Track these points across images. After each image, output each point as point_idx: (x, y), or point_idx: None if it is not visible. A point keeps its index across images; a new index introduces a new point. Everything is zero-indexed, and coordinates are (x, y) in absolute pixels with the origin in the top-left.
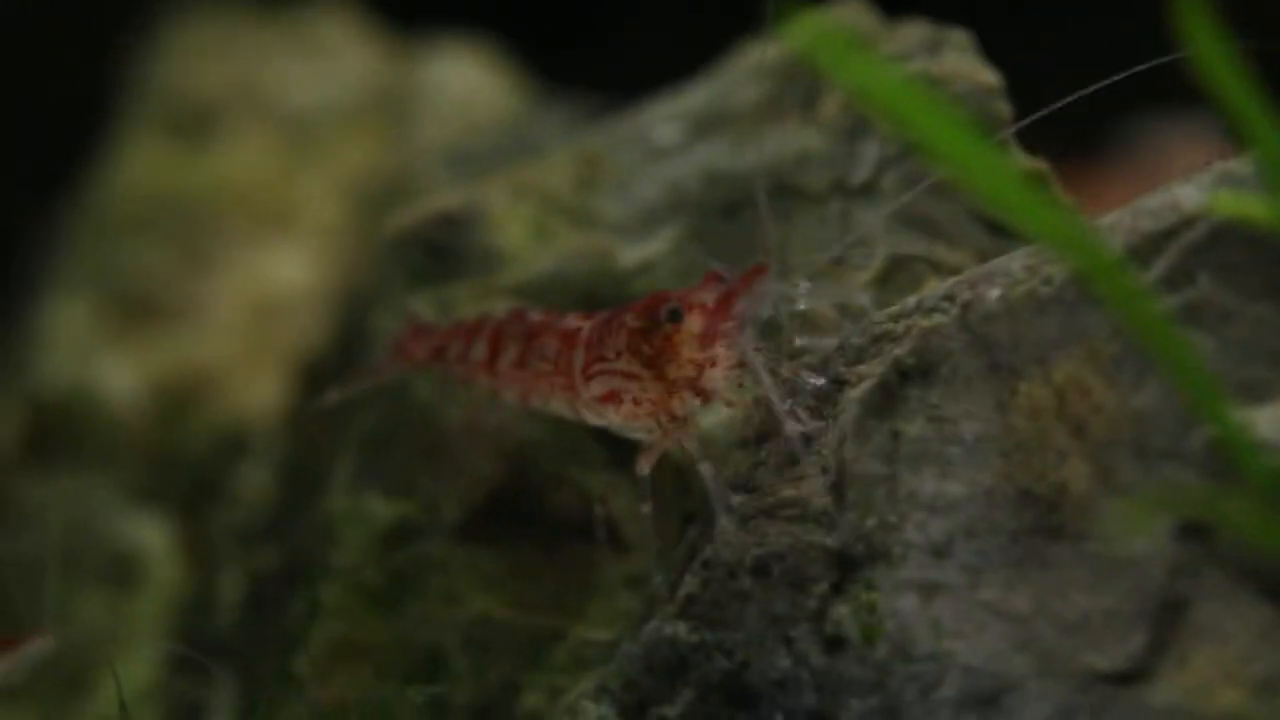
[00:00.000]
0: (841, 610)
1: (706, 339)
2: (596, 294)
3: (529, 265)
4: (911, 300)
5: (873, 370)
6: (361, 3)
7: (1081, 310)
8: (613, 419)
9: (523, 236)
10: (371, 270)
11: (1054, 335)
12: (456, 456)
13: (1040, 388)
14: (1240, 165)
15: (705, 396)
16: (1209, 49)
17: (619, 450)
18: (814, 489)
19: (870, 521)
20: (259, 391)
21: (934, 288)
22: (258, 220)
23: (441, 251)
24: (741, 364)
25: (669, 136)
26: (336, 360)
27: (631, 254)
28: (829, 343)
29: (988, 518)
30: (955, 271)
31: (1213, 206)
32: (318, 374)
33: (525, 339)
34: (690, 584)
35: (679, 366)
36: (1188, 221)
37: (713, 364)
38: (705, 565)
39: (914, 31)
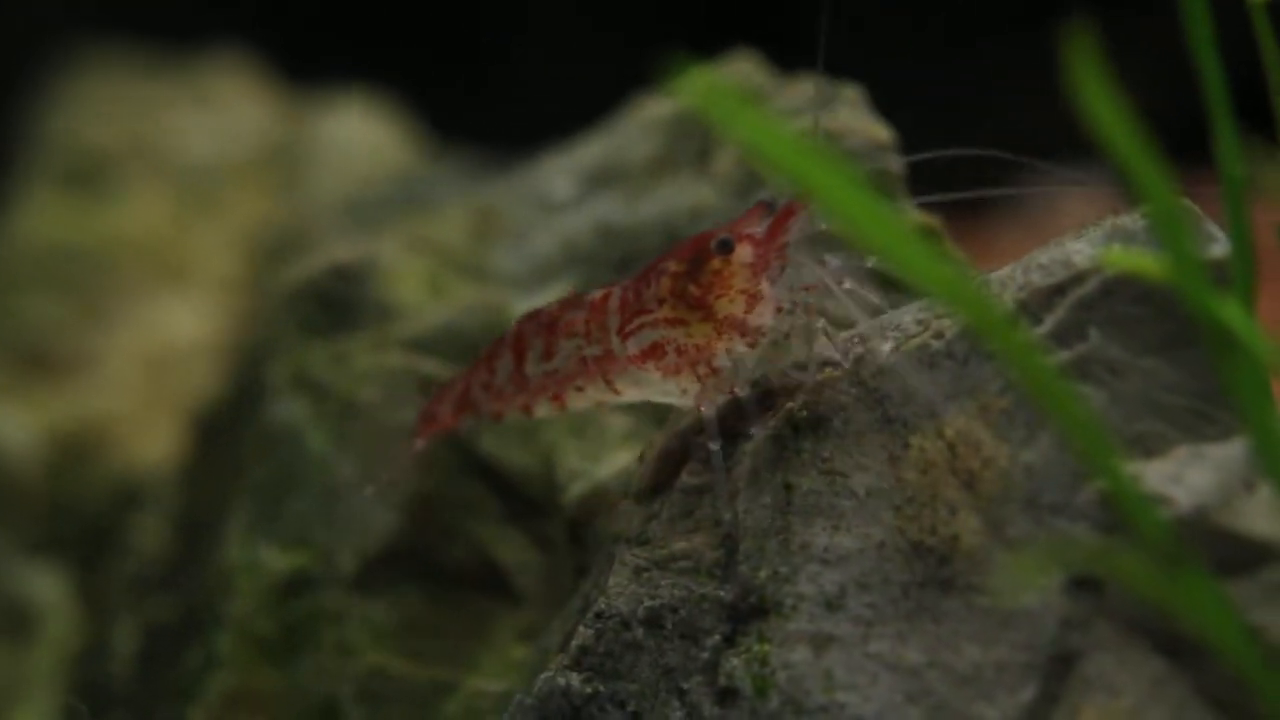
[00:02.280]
0: (734, 662)
1: (758, 266)
2: None
3: (423, 318)
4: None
5: (765, 423)
6: (256, 56)
7: (973, 364)
8: (653, 379)
9: (417, 290)
10: (266, 323)
11: (946, 389)
12: (352, 508)
13: (932, 441)
14: (1131, 220)
15: (752, 337)
16: (1102, 105)
17: (514, 503)
18: (706, 541)
19: (763, 574)
20: (154, 443)
21: (826, 341)
22: (154, 273)
23: (336, 304)
24: (782, 306)
25: (563, 190)
26: (231, 412)
27: (525, 307)
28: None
29: (880, 570)
30: (847, 326)
31: (1104, 261)
32: (212, 426)
33: (548, 327)
34: (583, 635)
35: (730, 300)
36: (1079, 276)
37: (761, 299)
38: (598, 617)
39: (806, 86)
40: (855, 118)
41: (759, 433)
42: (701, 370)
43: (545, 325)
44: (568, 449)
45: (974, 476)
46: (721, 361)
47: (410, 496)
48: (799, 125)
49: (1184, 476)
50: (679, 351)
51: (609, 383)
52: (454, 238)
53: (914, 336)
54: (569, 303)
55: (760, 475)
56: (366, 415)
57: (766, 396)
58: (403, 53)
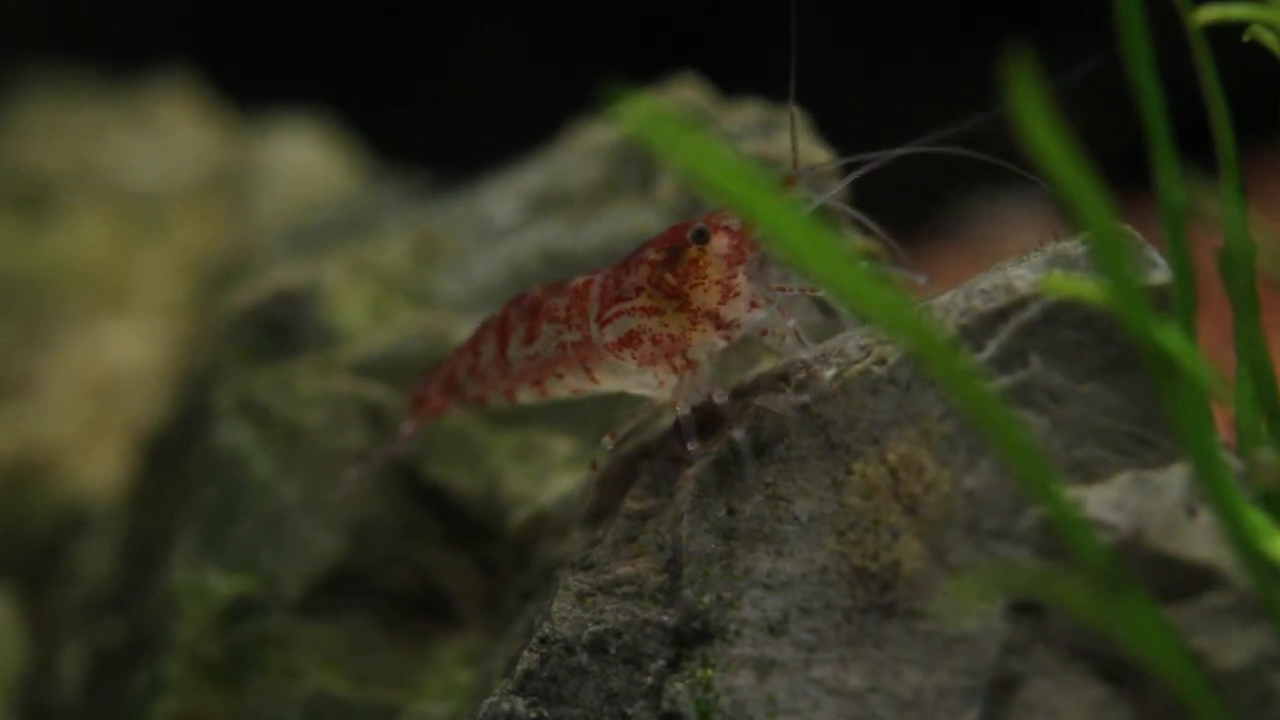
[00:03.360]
0: (677, 687)
1: (733, 258)
2: None
3: (367, 343)
4: (748, 379)
5: (709, 449)
6: (200, 81)
7: (915, 390)
8: (629, 368)
9: (361, 314)
10: (211, 347)
11: (888, 415)
12: (297, 532)
13: (874, 467)
14: (1073, 245)
15: (727, 330)
16: (1042, 131)
17: (458, 527)
18: (650, 566)
19: (706, 599)
20: (100, 468)
21: (770, 367)
22: (98, 298)
23: (280, 329)
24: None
25: (506, 215)
26: (177, 437)
27: (468, 332)
28: (666, 422)
29: (822, 595)
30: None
31: (1045, 287)
32: (158, 451)
33: (531, 311)
34: (528, 660)
35: (705, 290)
36: (1020, 302)
37: (736, 293)
38: (543, 641)
39: (748, 111)
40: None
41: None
42: (677, 362)
43: (529, 309)
44: (511, 473)
45: (916, 502)
46: (696, 354)
47: (355, 521)
48: (741, 150)
49: (1125, 502)
50: (654, 341)
51: (588, 370)
52: (397, 262)
53: (857, 362)
54: (553, 287)
55: (704, 500)
56: (311, 440)
57: (710, 420)
58: (346, 77)
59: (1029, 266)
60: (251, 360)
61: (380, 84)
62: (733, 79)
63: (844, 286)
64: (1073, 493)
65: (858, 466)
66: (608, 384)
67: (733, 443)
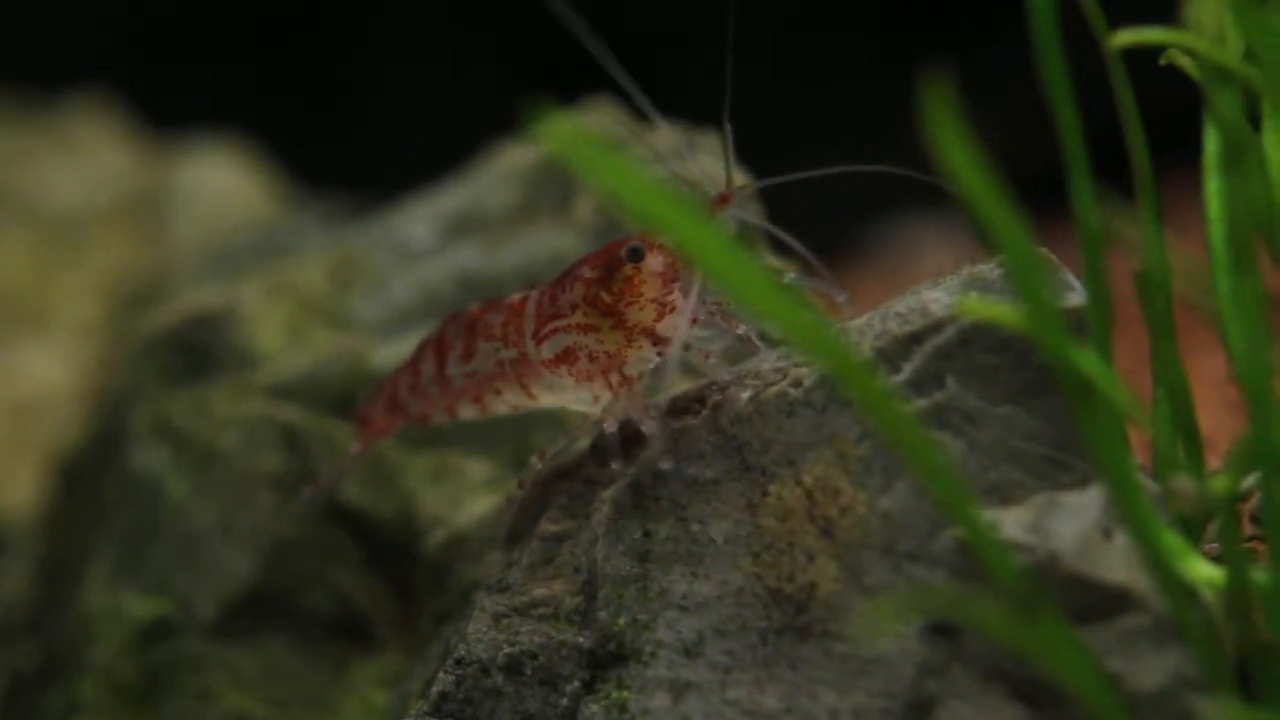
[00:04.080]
0: (593, 708)
1: (668, 276)
2: (351, 394)
3: (284, 366)
4: (662, 401)
5: (624, 471)
6: (118, 103)
7: (831, 412)
8: (566, 384)
9: (278, 337)
10: (127, 369)
11: (804, 437)
12: (212, 554)
13: (790, 489)
14: (988, 268)
15: (662, 345)
16: (958, 154)
17: (374, 549)
18: (565, 588)
19: (622, 620)
20: (15, 489)
21: (685, 389)
22: (14, 319)
23: (197, 351)
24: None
25: (423, 238)
26: (93, 458)
27: (385, 354)
28: (581, 444)
29: (738, 617)
30: (705, 373)
31: (961, 309)
32: (74, 472)
33: (468, 328)
34: (443, 681)
35: (640, 308)
36: (936, 324)
37: (672, 309)
38: (458, 663)
39: (666, 134)
40: (716, 165)
41: (620, 480)
42: (614, 378)
43: (466, 326)
44: (427, 495)
45: (832, 524)
46: (632, 370)
47: (271, 543)
48: (659, 172)
49: (1041, 524)
50: (591, 358)
51: (524, 387)
52: (315, 285)
53: (772, 384)
54: (489, 304)
55: (619, 522)
56: (227, 462)
57: (625, 444)
58: (265, 102)
59: (945, 289)
60: (168, 382)
61: (299, 108)
62: (649, 101)
63: (762, 307)
64: (989, 515)
65: (773, 488)
66: (545, 400)
67: (653, 466)
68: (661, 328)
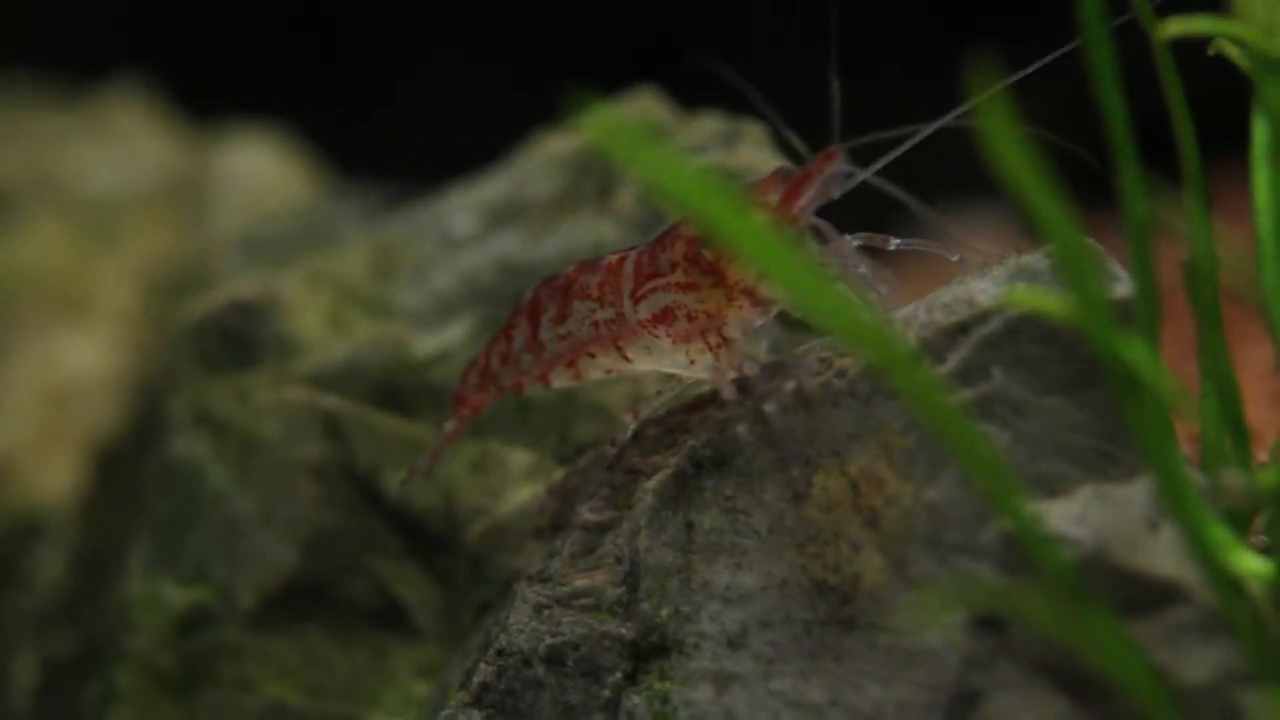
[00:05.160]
0: (635, 700)
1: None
2: (392, 383)
3: (324, 354)
4: (706, 391)
5: (667, 461)
6: (158, 90)
7: (876, 403)
8: (663, 346)
9: (318, 325)
10: (166, 357)
11: (849, 428)
12: (252, 543)
13: (835, 480)
14: (1035, 259)
15: (763, 306)
16: (1006, 143)
17: (414, 539)
18: (607, 579)
19: (664, 612)
20: (54, 477)
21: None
22: (53, 306)
23: (237, 339)
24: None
25: (465, 227)
26: (131, 447)
27: (427, 343)
28: (624, 434)
29: (782, 609)
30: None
31: (1008, 300)
32: (113, 460)
33: (563, 290)
34: (484, 672)
35: (743, 265)
36: (982, 315)
37: None
38: (500, 654)
39: (709, 124)
40: (758, 154)
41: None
42: (712, 339)
43: (561, 289)
44: (468, 485)
45: (877, 515)
46: (732, 331)
47: (310, 532)
48: (701, 162)
49: (1088, 516)
50: (690, 318)
51: (620, 349)
52: (355, 273)
53: (817, 375)
54: (586, 265)
55: (662, 513)
56: (267, 451)
57: (668, 433)
58: (306, 90)
59: (991, 280)
60: (208, 370)
61: (338, 96)
62: (692, 93)
63: (808, 298)
64: (1035, 507)
65: (818, 479)
66: (641, 363)
67: (764, 416)
68: (763, 287)
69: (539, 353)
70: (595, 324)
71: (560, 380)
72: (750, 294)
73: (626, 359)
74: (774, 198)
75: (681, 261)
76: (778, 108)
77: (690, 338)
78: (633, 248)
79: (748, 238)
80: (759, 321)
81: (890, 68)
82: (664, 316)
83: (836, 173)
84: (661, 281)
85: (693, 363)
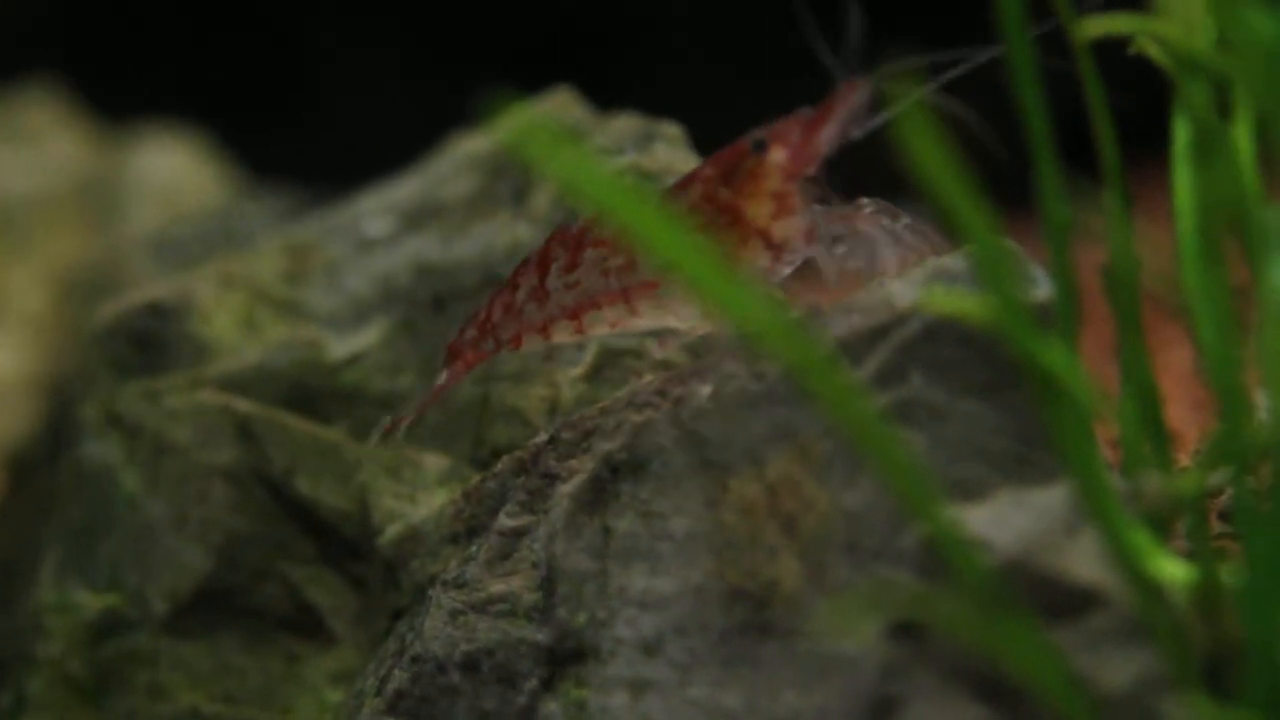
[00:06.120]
0: (551, 707)
1: (790, 172)
2: (305, 386)
3: (237, 357)
4: (623, 394)
5: (583, 465)
6: (69, 92)
7: (793, 407)
8: (673, 299)
9: (231, 328)
10: (78, 360)
11: (766, 432)
12: (164, 548)
13: (752, 485)
14: (954, 261)
15: (776, 252)
16: (923, 145)
17: (328, 544)
18: (524, 584)
19: (581, 617)
20: None
21: (645, 382)
22: None
23: (149, 342)
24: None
25: (379, 228)
26: (43, 451)
27: (341, 346)
28: (540, 438)
29: (698, 615)
30: (666, 367)
31: (926, 303)
32: (23, 465)
33: (576, 237)
34: (399, 679)
35: (760, 203)
36: (901, 318)
37: (790, 211)
38: (414, 660)
39: (625, 124)
40: (674, 155)
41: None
42: None
43: (574, 237)
44: (383, 490)
45: (794, 520)
46: (749, 268)
47: (223, 537)
48: (617, 163)
49: (1006, 521)
50: None
51: (628, 301)
52: (268, 276)
53: (734, 378)
54: (599, 216)
55: (578, 518)
56: (180, 455)
57: (584, 438)
58: (217, 89)
59: (909, 282)
60: (119, 374)
61: (251, 97)
62: (608, 92)
63: (723, 299)
64: (953, 511)
65: (735, 484)
66: (648, 317)
67: (680, 420)
68: (777, 229)
69: (543, 302)
70: (606, 274)
71: (561, 335)
72: (765, 235)
73: (635, 312)
74: (795, 135)
75: (699, 202)
76: (694, 105)
77: None
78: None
79: (662, 241)
80: (775, 266)
81: (800, 69)
82: None
83: (862, 105)
84: None
85: (704, 315)
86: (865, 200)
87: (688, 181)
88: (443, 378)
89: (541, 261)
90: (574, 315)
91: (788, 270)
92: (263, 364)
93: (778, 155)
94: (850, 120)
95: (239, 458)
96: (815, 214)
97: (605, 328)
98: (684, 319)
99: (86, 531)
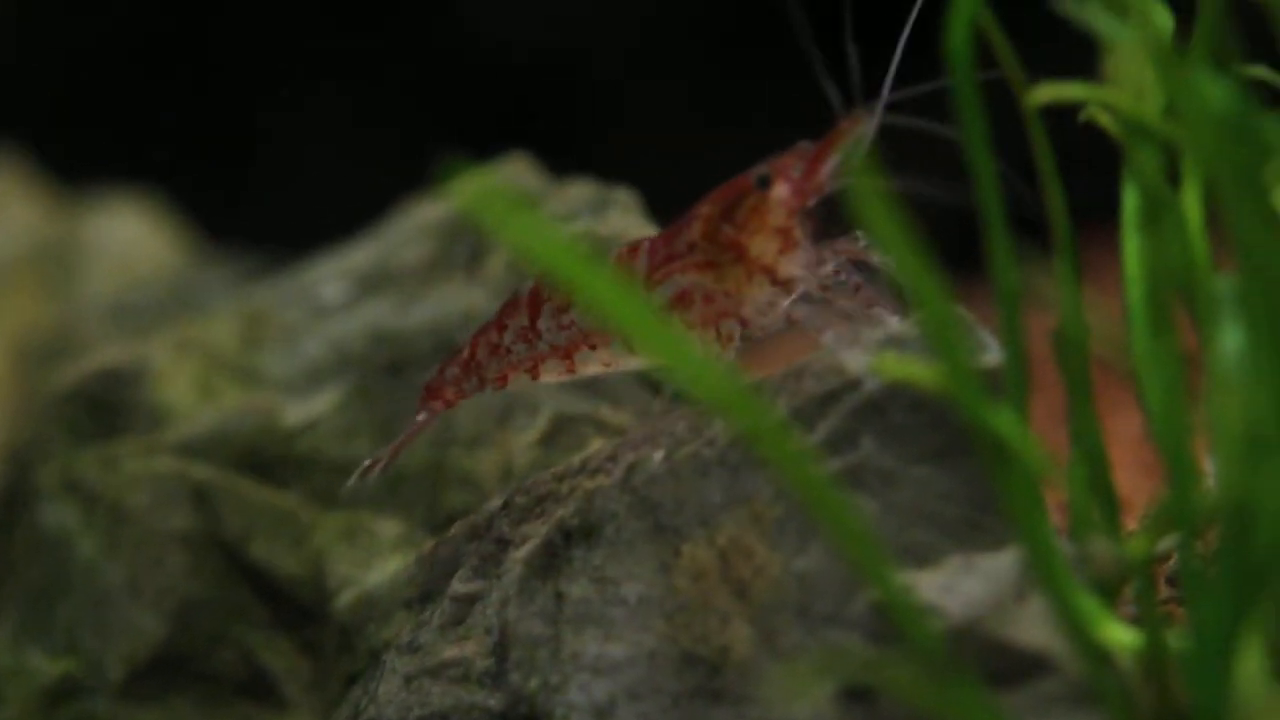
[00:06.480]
0: None
1: (793, 206)
2: (261, 452)
3: (193, 422)
4: (576, 460)
5: (536, 531)
6: (25, 155)
7: (745, 472)
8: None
9: (188, 393)
10: (35, 425)
11: (718, 497)
12: (120, 614)
13: (704, 550)
14: (905, 328)
15: (781, 287)
16: (875, 210)
17: (283, 609)
18: (477, 649)
19: (533, 683)
20: None
21: (598, 448)
22: None
23: (105, 408)
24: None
25: (335, 294)
26: (1, 516)
27: (297, 412)
28: (493, 503)
29: (650, 680)
30: (619, 432)
31: (877, 369)
32: None
33: None
34: None
35: (764, 239)
36: (852, 384)
37: (794, 245)
38: None
39: (579, 191)
40: (628, 221)
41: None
42: (726, 327)
43: None
44: (338, 555)
45: (746, 585)
46: (750, 312)
47: (179, 602)
48: (571, 229)
49: (956, 586)
50: (707, 299)
51: (628, 344)
52: (225, 341)
53: (686, 444)
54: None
55: (531, 583)
56: (136, 520)
57: (538, 503)
58: (173, 155)
59: (861, 348)
60: (76, 439)
61: (207, 163)
62: (564, 159)
63: (676, 365)
64: (904, 577)
65: (687, 549)
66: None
67: (633, 486)
68: (782, 265)
69: (533, 342)
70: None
71: (550, 374)
72: (770, 271)
73: (631, 349)
74: (796, 170)
75: (700, 240)
76: (652, 170)
77: (707, 322)
78: (646, 238)
79: (615, 307)
80: (778, 303)
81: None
82: (680, 300)
83: (863, 137)
84: (678, 264)
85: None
86: (843, 239)
87: (685, 221)
88: (421, 418)
89: (533, 301)
90: (566, 355)
91: (790, 304)
92: (219, 429)
93: (780, 191)
94: (852, 154)
95: (195, 523)
96: (818, 250)
97: (597, 367)
98: None
99: (43, 596)
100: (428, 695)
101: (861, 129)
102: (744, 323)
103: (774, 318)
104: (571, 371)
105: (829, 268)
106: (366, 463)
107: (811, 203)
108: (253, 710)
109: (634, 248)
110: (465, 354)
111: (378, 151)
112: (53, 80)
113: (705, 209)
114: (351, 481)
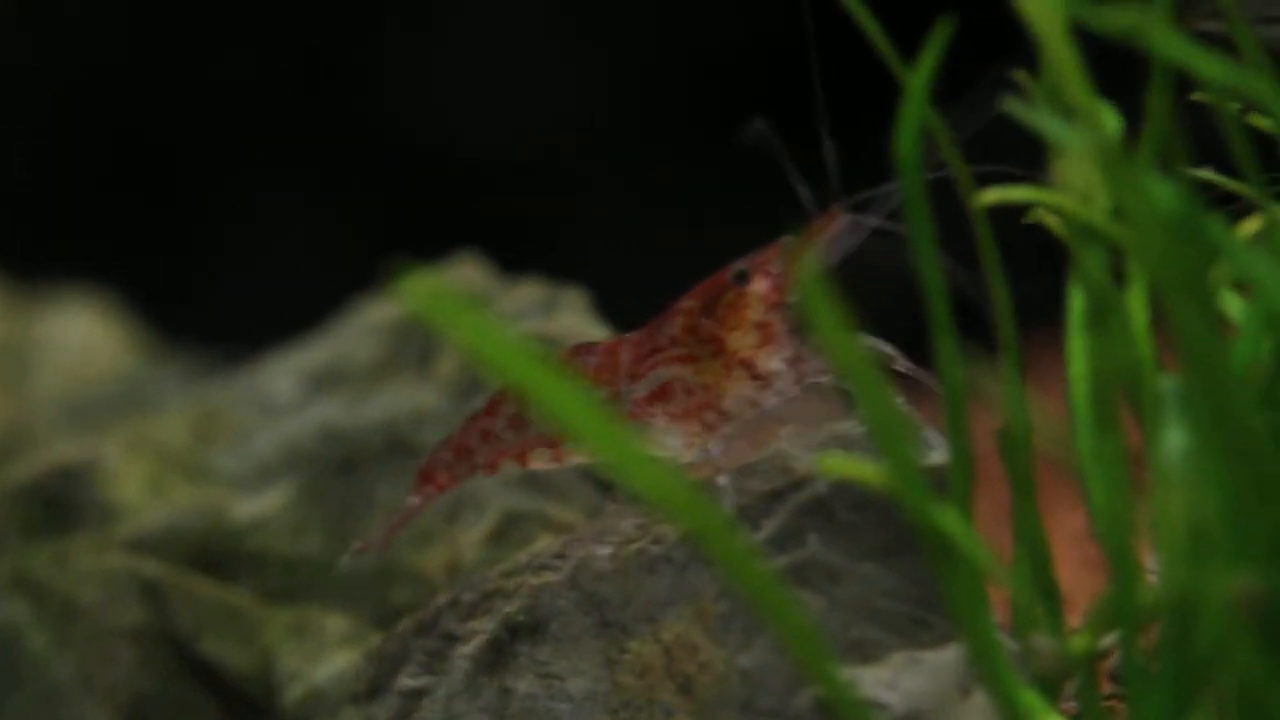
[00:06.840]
0: None
1: (772, 301)
2: (211, 548)
3: (145, 519)
4: (523, 557)
5: (483, 626)
6: None
7: (691, 570)
8: (657, 426)
9: (139, 490)
10: None
11: (664, 594)
12: (71, 710)
13: (649, 646)
14: (850, 426)
15: (759, 382)
16: (821, 309)
17: (231, 704)
18: None
19: None
20: None
21: (546, 545)
22: None
23: (57, 504)
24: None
25: (285, 392)
26: None
27: (247, 508)
28: (440, 599)
29: None
30: (567, 529)
31: (823, 468)
32: None
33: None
34: None
35: (743, 333)
36: (797, 482)
37: (773, 341)
38: None
39: (529, 291)
40: (577, 320)
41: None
42: (708, 417)
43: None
44: (287, 650)
45: (690, 681)
46: (730, 406)
47: (128, 698)
48: (520, 329)
49: (900, 682)
50: (687, 392)
51: None
52: (176, 438)
53: (633, 541)
54: (582, 348)
55: (478, 678)
56: (87, 616)
57: (484, 599)
58: (126, 254)
59: (807, 447)
60: (28, 534)
61: (160, 262)
62: (515, 258)
63: (623, 465)
64: (848, 673)
65: (633, 645)
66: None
67: (579, 583)
68: (761, 359)
69: (523, 430)
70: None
71: (538, 461)
72: (749, 365)
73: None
74: (777, 265)
75: (680, 334)
76: (606, 268)
77: (688, 415)
78: (626, 334)
79: (562, 406)
80: (758, 398)
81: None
82: (661, 393)
83: (841, 233)
84: (660, 357)
85: (689, 445)
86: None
87: (666, 317)
88: (412, 502)
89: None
90: (552, 444)
91: (773, 400)
92: (170, 526)
93: (760, 285)
94: (833, 246)
95: (146, 619)
96: (800, 344)
97: (584, 456)
98: (666, 447)
99: None
100: None
101: (840, 225)
102: (724, 415)
103: (754, 412)
104: (558, 461)
105: (813, 364)
106: (358, 545)
107: (791, 298)
108: None
109: (619, 342)
110: (458, 439)
111: (330, 251)
112: (5, 178)
113: (687, 303)
114: (344, 561)
